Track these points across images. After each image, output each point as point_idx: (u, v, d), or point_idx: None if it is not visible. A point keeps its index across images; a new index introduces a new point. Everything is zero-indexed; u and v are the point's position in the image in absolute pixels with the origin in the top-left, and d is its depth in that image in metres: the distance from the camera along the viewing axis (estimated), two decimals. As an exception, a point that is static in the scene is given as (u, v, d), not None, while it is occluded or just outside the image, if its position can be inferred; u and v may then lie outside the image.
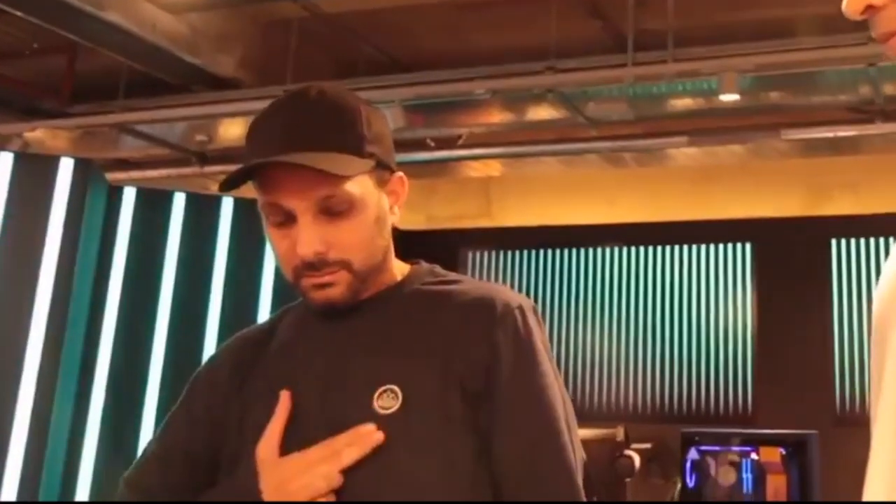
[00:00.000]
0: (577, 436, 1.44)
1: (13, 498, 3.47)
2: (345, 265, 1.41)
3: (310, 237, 1.39)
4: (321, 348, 1.47)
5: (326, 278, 1.41)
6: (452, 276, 1.55)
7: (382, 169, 1.47)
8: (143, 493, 1.52)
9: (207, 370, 1.58)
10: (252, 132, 1.45)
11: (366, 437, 1.34)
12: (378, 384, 1.39)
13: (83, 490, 3.69)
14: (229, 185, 1.40)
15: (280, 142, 1.38)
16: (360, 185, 1.41)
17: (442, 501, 1.36)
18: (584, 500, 1.39)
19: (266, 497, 1.36)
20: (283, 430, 1.39)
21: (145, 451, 1.57)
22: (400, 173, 1.52)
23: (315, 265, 1.40)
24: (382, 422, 1.36)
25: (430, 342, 1.42)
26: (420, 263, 1.57)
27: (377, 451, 1.36)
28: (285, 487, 1.35)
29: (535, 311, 1.47)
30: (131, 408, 3.75)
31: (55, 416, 3.60)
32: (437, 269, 1.57)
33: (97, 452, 3.73)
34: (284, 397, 1.41)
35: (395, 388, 1.38)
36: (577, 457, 1.41)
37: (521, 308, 1.44)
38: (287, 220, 1.41)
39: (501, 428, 1.38)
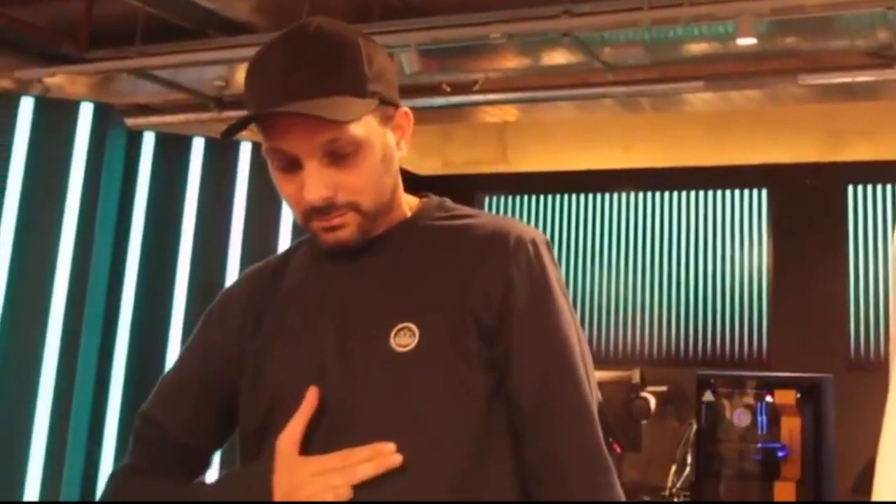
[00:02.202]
0: (593, 371, 1.44)
1: (44, 434, 3.55)
2: (353, 207, 1.40)
3: (316, 183, 1.37)
4: (336, 287, 1.47)
5: (336, 221, 1.40)
6: (464, 209, 1.54)
7: (386, 105, 1.43)
8: (157, 427, 1.54)
9: (221, 306, 1.59)
10: (251, 74, 1.42)
11: (385, 456, 1.33)
12: (395, 322, 1.39)
13: (111, 429, 3.76)
14: (231, 132, 1.39)
15: (280, 87, 1.36)
16: (364, 126, 1.38)
17: (461, 502, 1.35)
18: (599, 431, 1.40)
19: (277, 497, 1.36)
20: (305, 426, 1.38)
21: (160, 384, 1.58)
22: (405, 108, 1.49)
23: (323, 209, 1.39)
24: (399, 360, 1.37)
25: (444, 278, 1.42)
26: (430, 197, 1.56)
27: (395, 389, 1.37)
28: (296, 493, 1.35)
29: (548, 245, 1.47)
30: (155, 348, 3.80)
31: (82, 352, 3.65)
32: (448, 202, 1.55)
33: (124, 389, 3.79)
34: (312, 393, 1.39)
35: (412, 325, 1.38)
36: (593, 390, 1.42)
37: (534, 242, 1.43)
38: (292, 165, 1.39)
39: (516, 361, 1.38)
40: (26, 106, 3.71)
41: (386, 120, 1.44)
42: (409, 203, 1.53)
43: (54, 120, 3.74)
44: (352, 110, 1.36)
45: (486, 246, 1.43)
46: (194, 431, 1.54)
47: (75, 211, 3.68)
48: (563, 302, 1.44)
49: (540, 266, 1.42)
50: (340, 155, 1.38)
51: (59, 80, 5.21)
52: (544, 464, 1.38)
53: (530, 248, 1.42)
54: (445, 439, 1.36)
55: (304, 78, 1.36)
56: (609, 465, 1.39)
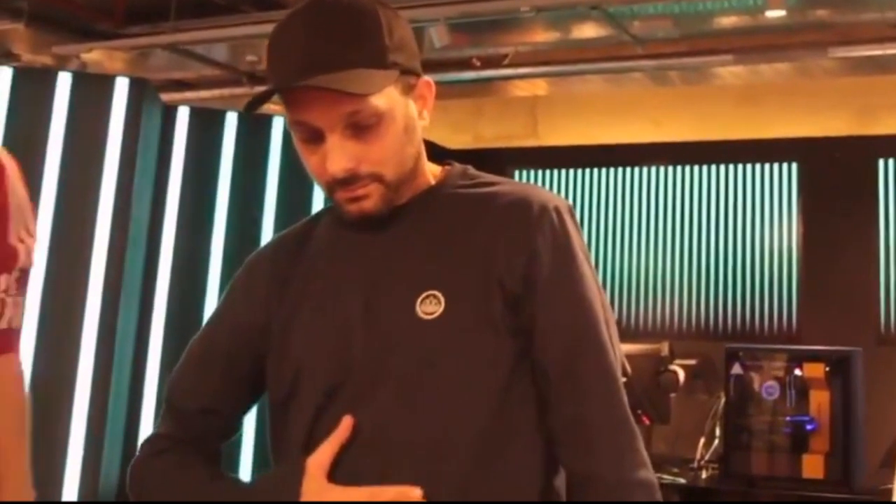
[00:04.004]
0: (617, 337, 1.45)
1: (87, 389, 3.62)
2: (377, 178, 1.41)
3: (338, 155, 1.38)
4: (361, 256, 1.48)
5: (359, 192, 1.41)
6: (488, 177, 1.54)
7: (408, 75, 1.43)
8: (185, 396, 1.57)
9: (247, 274, 1.59)
10: (272, 47, 1.42)
11: (412, 499, 1.33)
12: (420, 290, 1.40)
13: (150, 396, 3.84)
14: (253, 106, 1.40)
15: (300, 60, 1.35)
16: (386, 98, 1.38)
17: (494, 502, 1.37)
18: (624, 396, 1.41)
19: None
20: (336, 452, 1.38)
21: (188, 352, 1.60)
22: (427, 78, 1.48)
23: (347, 181, 1.40)
24: (426, 327, 1.38)
25: (469, 246, 1.43)
26: (453, 165, 1.56)
27: (421, 356, 1.38)
28: None
29: (571, 212, 1.47)
30: (192, 319, 3.87)
31: (121, 323, 3.73)
32: (471, 169, 1.56)
33: (161, 360, 3.86)
34: (346, 422, 1.39)
35: (438, 293, 1.39)
36: (618, 356, 1.43)
37: (557, 209, 1.44)
38: (315, 136, 1.40)
39: (541, 329, 1.39)
40: (64, 81, 3.78)
41: (408, 90, 1.44)
42: (432, 171, 1.53)
43: (91, 95, 3.81)
44: (373, 82, 1.36)
45: (509, 213, 1.44)
46: (222, 399, 1.56)
47: (112, 184, 3.75)
48: (587, 269, 1.44)
49: (564, 233, 1.43)
50: (362, 126, 1.38)
51: (95, 55, 5.25)
52: (570, 429, 1.39)
53: (554, 215, 1.43)
54: (471, 406, 1.38)
55: (324, 50, 1.36)
56: (634, 429, 1.40)
